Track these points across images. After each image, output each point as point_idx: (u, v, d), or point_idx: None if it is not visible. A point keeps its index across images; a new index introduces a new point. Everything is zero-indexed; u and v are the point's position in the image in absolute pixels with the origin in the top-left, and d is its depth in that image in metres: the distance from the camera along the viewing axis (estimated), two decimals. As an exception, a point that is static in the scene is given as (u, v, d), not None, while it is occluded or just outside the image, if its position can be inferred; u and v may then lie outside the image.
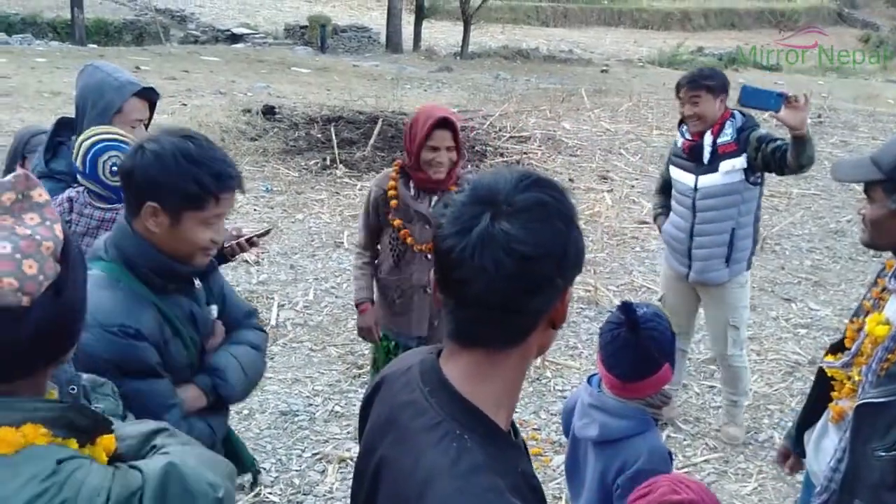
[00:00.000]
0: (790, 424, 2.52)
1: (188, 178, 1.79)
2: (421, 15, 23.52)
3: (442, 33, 26.45)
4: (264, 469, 3.62)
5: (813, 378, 2.35)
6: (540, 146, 9.98)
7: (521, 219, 1.05)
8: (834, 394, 2.12)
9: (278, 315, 5.17)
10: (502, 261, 1.04)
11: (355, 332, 5.07)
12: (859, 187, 9.43)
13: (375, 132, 9.40)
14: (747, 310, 4.02)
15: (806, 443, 2.30)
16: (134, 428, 1.51)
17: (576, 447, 2.20)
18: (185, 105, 10.24)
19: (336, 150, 8.74)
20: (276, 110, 10.38)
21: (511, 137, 10.28)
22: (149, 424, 1.53)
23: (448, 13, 26.04)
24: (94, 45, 18.98)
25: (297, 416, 4.06)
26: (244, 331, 2.14)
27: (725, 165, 3.61)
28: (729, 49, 25.80)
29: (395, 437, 1.17)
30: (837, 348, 2.18)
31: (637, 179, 8.91)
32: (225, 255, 2.80)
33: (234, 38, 22.68)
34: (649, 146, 10.28)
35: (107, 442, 1.44)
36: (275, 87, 12.39)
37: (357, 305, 3.30)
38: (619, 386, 2.04)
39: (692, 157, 3.71)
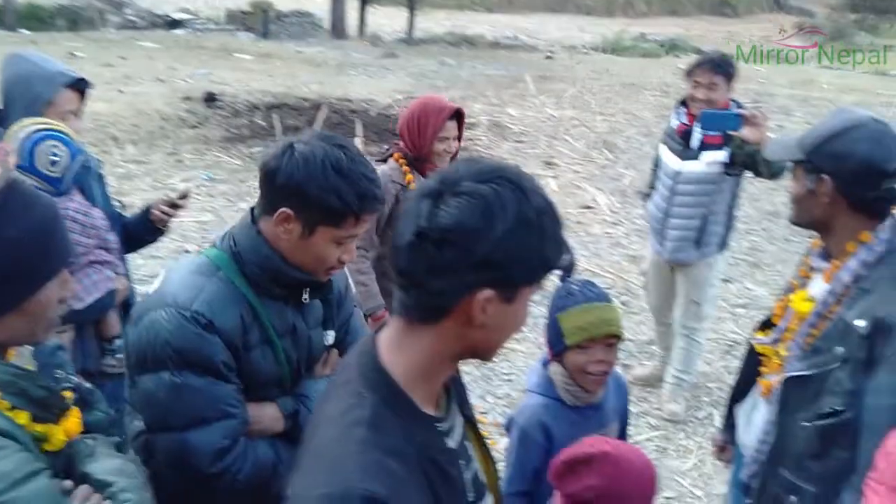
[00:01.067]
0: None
1: (332, 191, 1.64)
2: (366, 0, 23.28)
3: (387, 19, 26.22)
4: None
5: (746, 355, 2.43)
6: (486, 132, 10.01)
7: (445, 203, 1.10)
8: (763, 369, 2.20)
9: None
10: (404, 231, 1.12)
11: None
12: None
13: (320, 119, 9.31)
14: (714, 288, 4.17)
15: (737, 417, 2.38)
16: (99, 465, 1.48)
17: None
18: (122, 92, 9.96)
19: (280, 138, 8.63)
20: (218, 97, 10.19)
21: (457, 124, 10.28)
22: (114, 463, 1.50)
23: (393, -1, 25.84)
24: (26, 31, 18.28)
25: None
26: None
27: (707, 156, 3.73)
28: (671, 35, 26.17)
29: (325, 394, 1.30)
30: (766, 325, 2.26)
31: (581, 165, 9.02)
32: (156, 226, 2.88)
33: (174, 24, 22.09)
34: (593, 132, 10.40)
35: (70, 424, 1.40)
36: (216, 74, 12.14)
37: (372, 316, 3.14)
38: None
39: (683, 141, 3.79)
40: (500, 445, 3.83)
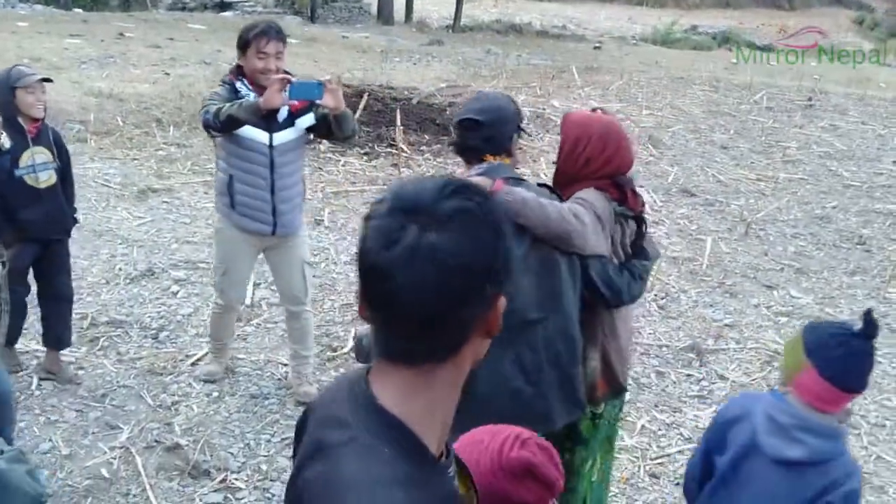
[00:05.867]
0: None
1: None
2: (413, -14, 23.17)
3: (434, 5, 26.08)
4: (231, 454, 3.56)
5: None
6: (528, 124, 9.85)
7: (448, 229, 1.02)
8: None
9: (253, 294, 5.08)
10: (430, 273, 1.01)
11: (332, 313, 5.01)
12: (848, 174, 9.23)
13: (361, 106, 9.25)
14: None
15: None
16: None
17: (739, 461, 2.10)
18: (167, 74, 10.02)
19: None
20: (261, 82, 10.21)
21: (499, 114, 10.15)
22: None
23: (441, -15, 25.63)
24: (79, 10, 18.60)
25: (268, 399, 4.00)
26: None
27: (302, 122, 3.76)
28: (723, 28, 25.68)
29: (317, 456, 1.12)
30: None
31: (624, 160, 8.83)
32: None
33: (223, 6, 22.23)
34: (638, 126, 10.17)
35: None
36: (261, 58, 12.19)
37: None
38: (834, 399, 1.99)
39: (268, 115, 3.63)
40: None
